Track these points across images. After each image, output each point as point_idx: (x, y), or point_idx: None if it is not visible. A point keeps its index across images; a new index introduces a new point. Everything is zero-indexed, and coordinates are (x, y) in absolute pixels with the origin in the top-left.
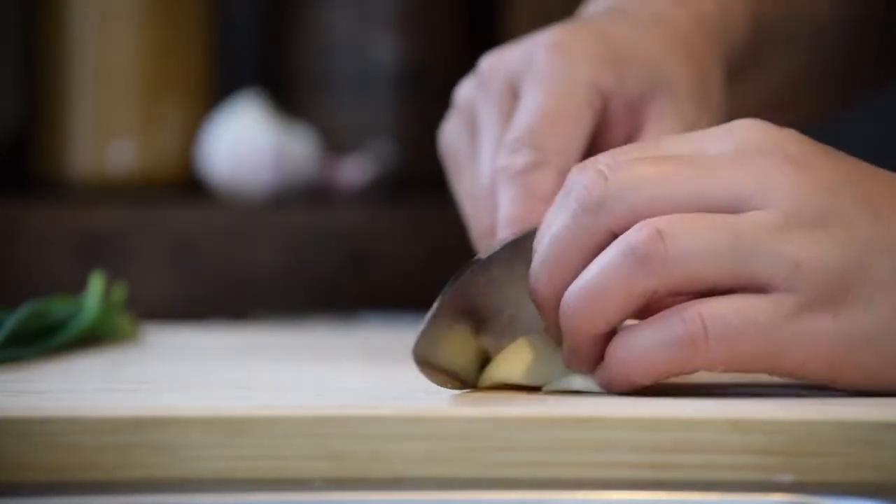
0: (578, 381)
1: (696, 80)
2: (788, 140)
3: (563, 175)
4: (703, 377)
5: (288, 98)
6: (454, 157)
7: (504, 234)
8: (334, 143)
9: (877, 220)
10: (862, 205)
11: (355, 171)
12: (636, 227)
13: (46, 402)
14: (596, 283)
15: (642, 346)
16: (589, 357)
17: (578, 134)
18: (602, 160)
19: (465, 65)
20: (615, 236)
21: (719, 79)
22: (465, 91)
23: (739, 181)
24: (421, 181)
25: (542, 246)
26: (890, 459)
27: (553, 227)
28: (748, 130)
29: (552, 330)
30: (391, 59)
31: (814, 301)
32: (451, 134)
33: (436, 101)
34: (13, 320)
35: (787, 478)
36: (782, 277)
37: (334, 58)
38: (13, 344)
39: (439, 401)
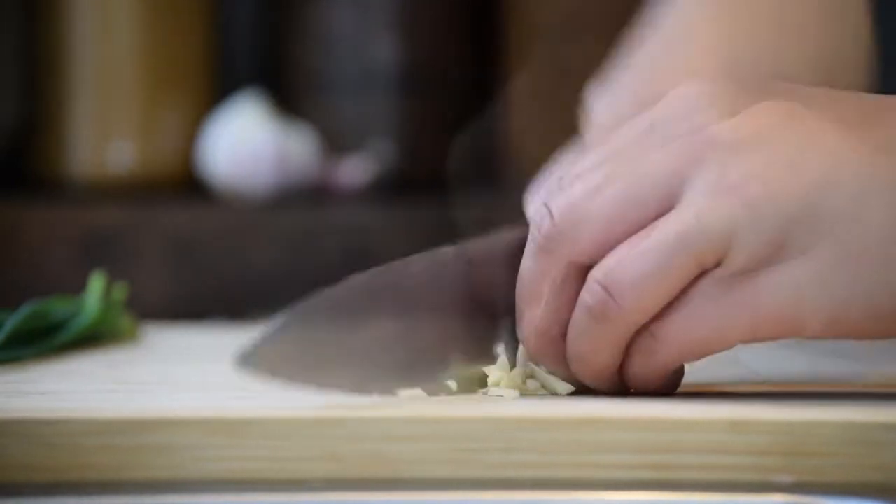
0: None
1: None
2: (723, 96)
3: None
4: (703, 377)
5: (288, 98)
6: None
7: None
8: (334, 143)
9: (824, 156)
10: (806, 142)
11: (355, 170)
12: (587, 286)
13: (47, 402)
14: (578, 351)
15: (631, 375)
16: (613, 386)
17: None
18: (547, 194)
19: (465, 65)
20: (576, 265)
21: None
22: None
23: (664, 167)
24: (420, 181)
25: (517, 291)
26: (890, 459)
27: (521, 268)
28: (682, 97)
29: (548, 366)
30: (391, 59)
31: (749, 264)
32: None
33: (435, 102)
34: (13, 320)
35: (786, 478)
36: (717, 257)
37: (334, 58)
38: (13, 344)
39: (439, 401)
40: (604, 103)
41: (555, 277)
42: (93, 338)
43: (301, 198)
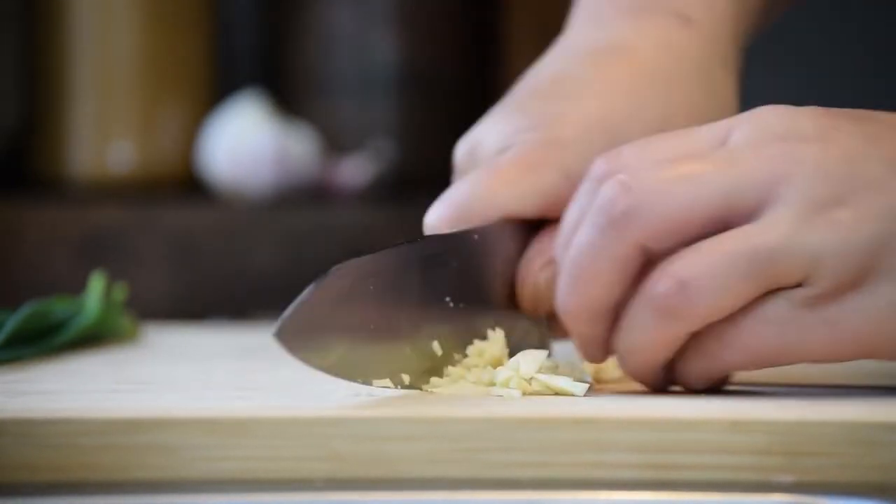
0: (566, 382)
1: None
2: (804, 119)
3: None
4: None
5: (288, 98)
6: None
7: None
8: (334, 144)
9: None
10: (889, 165)
11: (355, 170)
12: (656, 277)
13: (47, 402)
14: (634, 342)
15: (684, 374)
16: (659, 383)
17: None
18: (623, 168)
19: (465, 65)
20: (643, 248)
21: (731, 93)
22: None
23: (760, 175)
24: (421, 181)
25: (569, 260)
26: (890, 459)
27: (579, 241)
28: (765, 117)
29: (581, 346)
30: (391, 59)
31: (834, 288)
32: None
33: (435, 102)
34: (14, 320)
35: (787, 478)
36: (805, 273)
37: (335, 58)
38: (14, 344)
39: (440, 401)
40: (494, 132)
41: (619, 257)
42: (93, 338)
43: (301, 198)
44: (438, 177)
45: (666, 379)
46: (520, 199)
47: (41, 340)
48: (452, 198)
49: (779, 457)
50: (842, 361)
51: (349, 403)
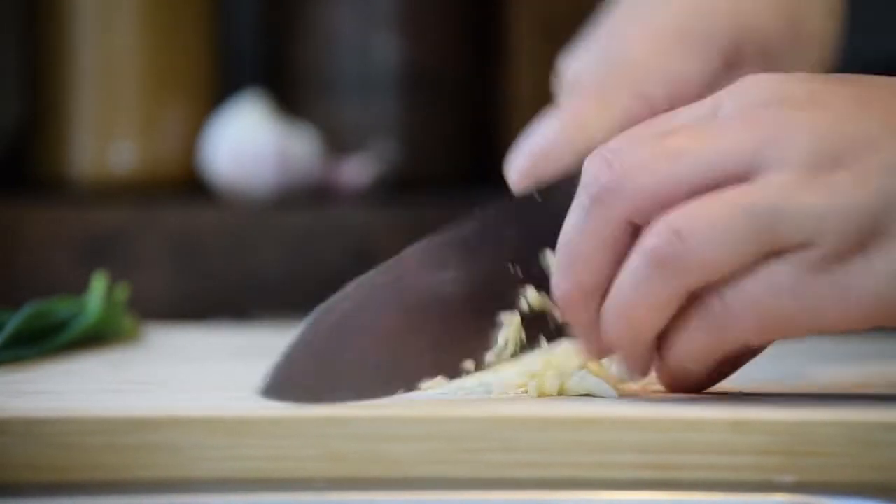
0: (594, 383)
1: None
2: (794, 84)
3: None
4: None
5: (290, 98)
6: None
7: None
8: (337, 143)
9: None
10: (888, 124)
11: (358, 171)
12: (653, 230)
13: (49, 402)
14: (628, 301)
15: (686, 348)
16: (645, 362)
17: None
18: (609, 145)
19: (468, 65)
20: (630, 225)
21: (817, 14)
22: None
23: (749, 142)
24: (423, 181)
25: (559, 246)
26: (890, 459)
27: (566, 226)
28: (752, 85)
29: (580, 333)
30: (394, 59)
31: (842, 249)
32: None
33: (438, 102)
34: (16, 321)
35: (787, 478)
36: (807, 235)
37: (337, 58)
38: (16, 344)
39: (440, 401)
40: (575, 64)
41: (606, 235)
42: (95, 338)
43: (303, 198)
44: (441, 176)
45: (659, 361)
46: (593, 136)
47: (43, 340)
48: (529, 147)
49: (779, 457)
50: (855, 329)
51: (350, 404)
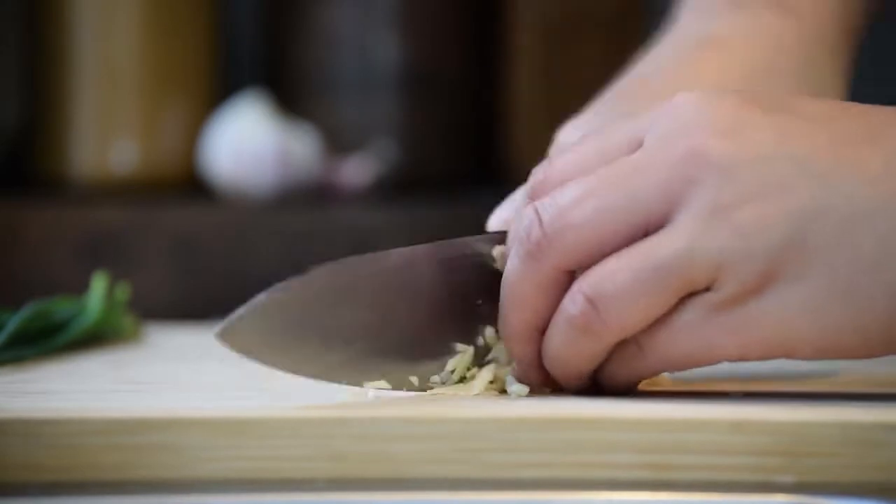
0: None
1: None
2: (721, 111)
3: None
4: (702, 374)
5: (290, 98)
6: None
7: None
8: (337, 143)
9: (816, 180)
10: (800, 165)
11: (358, 171)
12: (572, 296)
13: (49, 402)
14: (557, 355)
15: (609, 378)
16: (581, 386)
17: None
18: (542, 189)
19: (467, 65)
20: (562, 271)
21: (839, 85)
22: None
23: (662, 182)
24: (423, 181)
25: (502, 286)
26: (890, 459)
27: (506, 269)
28: (680, 107)
29: (523, 365)
30: (394, 59)
31: (739, 292)
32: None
33: (438, 102)
34: (16, 321)
35: (788, 478)
36: (709, 280)
37: (337, 58)
38: (16, 344)
39: (441, 402)
40: (573, 128)
41: (540, 282)
42: (95, 338)
43: (304, 198)
44: (441, 176)
45: (595, 384)
46: None
47: (43, 340)
48: (516, 201)
49: (780, 457)
50: (756, 361)
51: (351, 404)
